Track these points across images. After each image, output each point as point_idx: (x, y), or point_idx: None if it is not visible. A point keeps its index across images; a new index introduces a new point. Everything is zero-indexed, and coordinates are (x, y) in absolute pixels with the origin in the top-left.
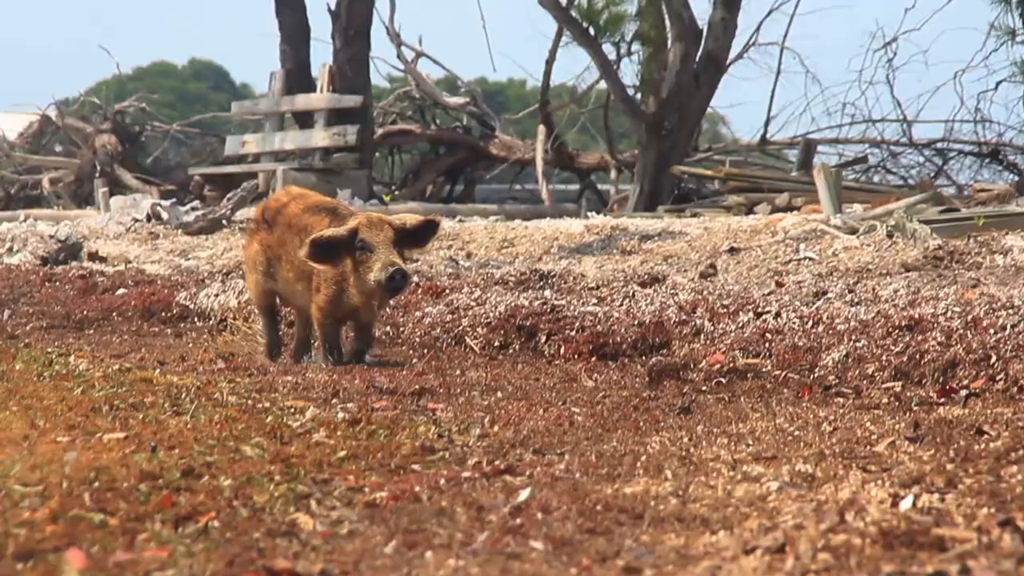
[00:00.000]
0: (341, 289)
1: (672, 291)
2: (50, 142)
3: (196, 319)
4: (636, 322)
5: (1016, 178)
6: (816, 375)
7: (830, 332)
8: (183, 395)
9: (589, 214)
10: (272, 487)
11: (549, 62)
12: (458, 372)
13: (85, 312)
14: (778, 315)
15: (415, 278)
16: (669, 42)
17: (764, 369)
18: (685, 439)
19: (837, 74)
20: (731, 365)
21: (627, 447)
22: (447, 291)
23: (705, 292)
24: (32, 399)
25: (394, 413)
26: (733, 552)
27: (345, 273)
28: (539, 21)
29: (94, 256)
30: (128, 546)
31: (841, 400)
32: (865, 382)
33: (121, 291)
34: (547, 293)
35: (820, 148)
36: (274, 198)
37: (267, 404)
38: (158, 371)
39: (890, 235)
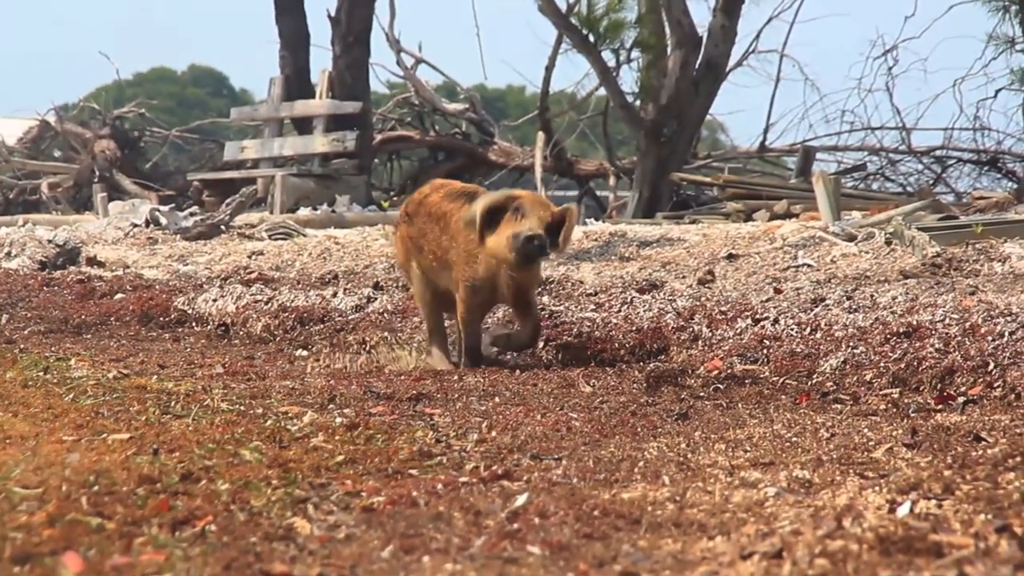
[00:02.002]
0: (477, 269)
1: (670, 297)
2: (49, 147)
3: (194, 324)
4: (634, 328)
5: (1015, 186)
6: (814, 381)
7: (828, 339)
8: (174, 402)
9: (588, 220)
10: (269, 491)
11: (548, 69)
12: (456, 377)
13: (83, 317)
14: (776, 322)
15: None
16: (669, 49)
17: (762, 375)
18: (683, 445)
19: (836, 81)
20: (729, 371)
21: (625, 452)
22: None
23: (703, 298)
24: (20, 405)
25: (392, 418)
26: (730, 557)
27: (480, 249)
28: (539, 28)
29: (92, 261)
30: (125, 550)
31: (839, 406)
32: (863, 389)
33: (119, 296)
34: (545, 299)
35: (819, 155)
36: (418, 192)
37: (261, 410)
38: (154, 378)
39: (888, 242)
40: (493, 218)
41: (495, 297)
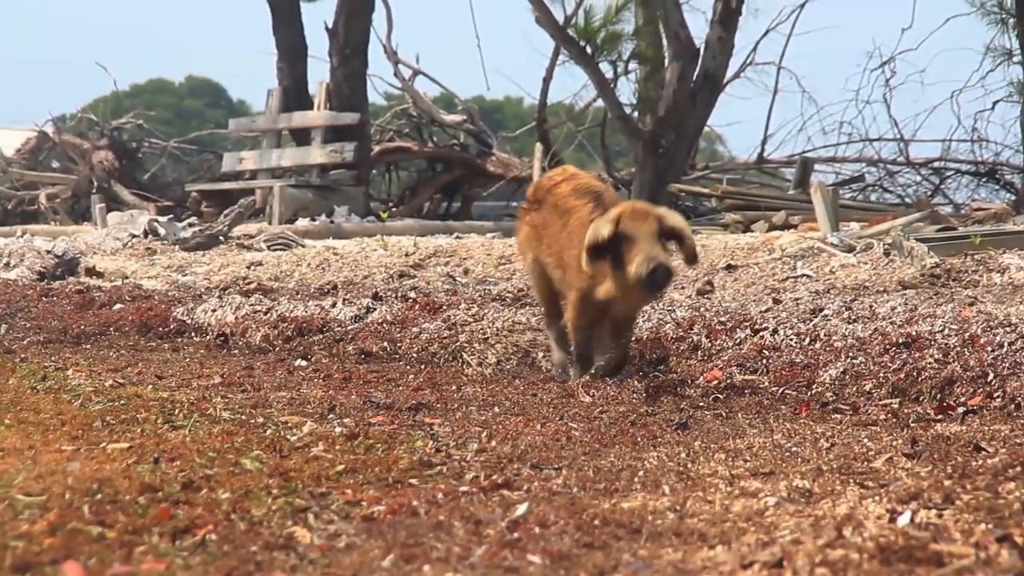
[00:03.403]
0: (593, 285)
1: (669, 308)
2: (47, 158)
3: (193, 334)
4: (634, 338)
5: (1013, 197)
6: (813, 392)
7: (827, 349)
8: (176, 411)
9: None
10: (270, 500)
11: (546, 80)
12: (455, 387)
13: (82, 327)
14: (775, 332)
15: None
16: (666, 61)
17: (761, 385)
18: (683, 454)
19: (834, 93)
20: (729, 381)
21: (625, 462)
22: (444, 307)
23: (702, 309)
24: (29, 412)
25: (392, 428)
26: (731, 567)
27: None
28: (536, 40)
29: (91, 271)
30: (126, 559)
31: (838, 416)
32: (862, 399)
33: (118, 306)
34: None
35: (817, 167)
36: (548, 177)
37: (261, 419)
38: (149, 387)
39: (887, 253)
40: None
41: (606, 312)
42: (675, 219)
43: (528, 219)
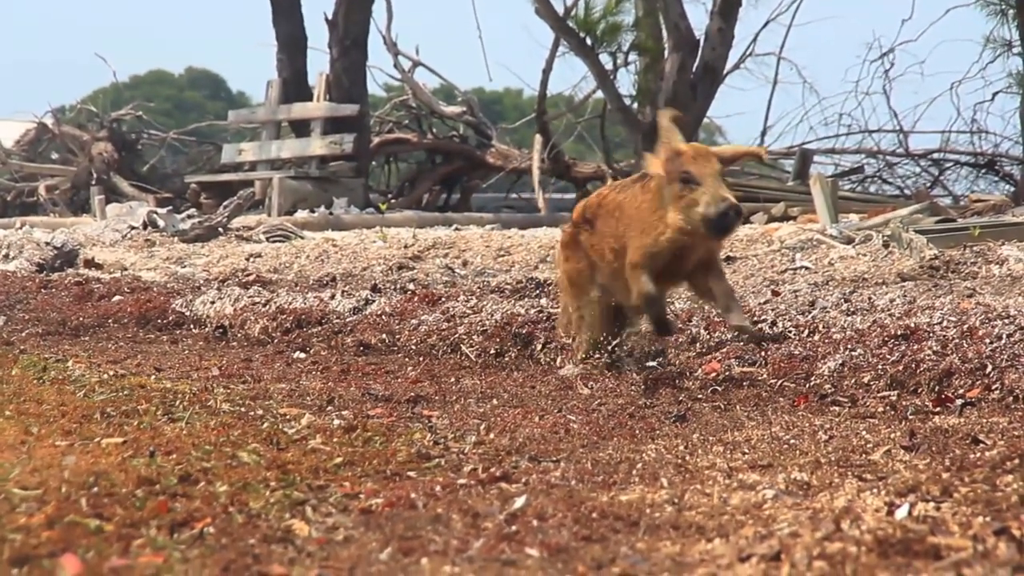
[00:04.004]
0: (654, 235)
1: (667, 299)
2: (46, 150)
3: (192, 326)
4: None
5: (1012, 188)
6: (812, 384)
7: (826, 341)
8: (178, 401)
9: None
10: (268, 493)
11: (546, 72)
12: (454, 380)
13: (81, 319)
14: (774, 324)
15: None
16: (666, 52)
17: (760, 378)
18: (681, 447)
19: (834, 85)
20: (727, 373)
21: (623, 455)
22: (443, 299)
23: (700, 301)
24: (32, 403)
25: (390, 420)
26: (729, 560)
27: (657, 215)
28: (536, 31)
29: (90, 263)
30: (123, 552)
31: (837, 409)
32: (861, 391)
33: (117, 298)
34: (543, 301)
35: (816, 158)
36: (593, 196)
37: (260, 411)
38: (152, 377)
39: (886, 245)
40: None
41: (678, 267)
42: (732, 150)
43: (582, 239)
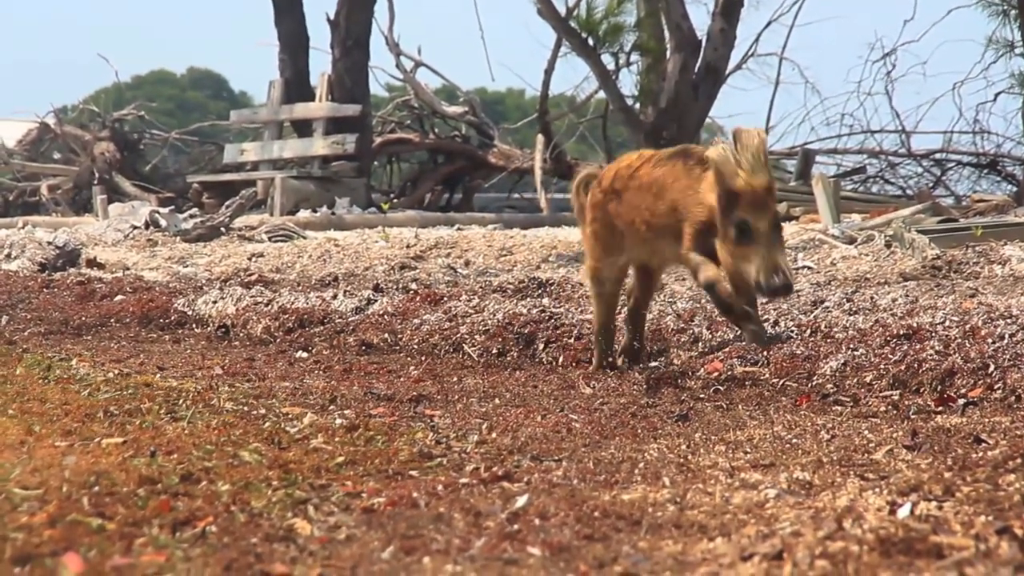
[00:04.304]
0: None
1: (670, 299)
2: (49, 149)
3: (194, 326)
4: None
5: (1014, 189)
6: (814, 383)
7: (828, 341)
8: (181, 400)
9: None
10: (270, 492)
11: (548, 72)
12: (456, 379)
13: (83, 318)
14: (776, 324)
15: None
16: (668, 52)
17: (762, 377)
18: (683, 446)
19: (836, 85)
20: (729, 373)
21: (625, 454)
22: (445, 299)
23: (703, 300)
24: (36, 402)
25: (392, 419)
26: (731, 559)
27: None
28: (538, 31)
29: (92, 263)
30: (126, 551)
31: (839, 408)
32: (863, 390)
33: (119, 298)
34: (545, 301)
35: (819, 158)
36: (624, 165)
37: (263, 410)
38: (158, 376)
39: (888, 245)
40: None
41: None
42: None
43: (610, 208)
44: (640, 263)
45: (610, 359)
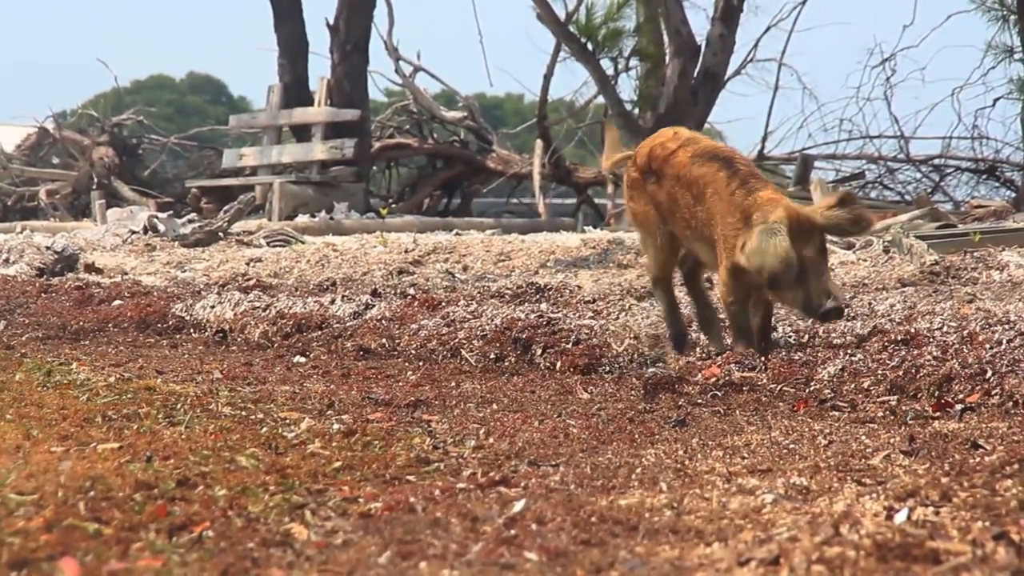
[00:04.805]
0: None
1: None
2: (47, 154)
3: (192, 330)
4: (632, 335)
5: (1013, 194)
6: (812, 388)
7: (826, 346)
8: (179, 405)
9: (586, 228)
10: (267, 497)
11: (547, 77)
12: (453, 384)
13: (81, 323)
14: (774, 329)
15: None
16: (667, 57)
17: (760, 383)
18: (680, 451)
19: (835, 90)
20: (727, 378)
21: (622, 459)
22: (443, 304)
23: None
24: (33, 406)
25: (389, 424)
26: (727, 564)
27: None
28: (537, 36)
29: (90, 268)
30: (122, 555)
31: (836, 413)
32: (861, 396)
33: (117, 302)
34: (543, 306)
35: (817, 163)
36: (659, 144)
37: (261, 415)
38: (159, 379)
39: (887, 250)
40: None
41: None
42: (835, 216)
43: (647, 193)
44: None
45: (681, 331)
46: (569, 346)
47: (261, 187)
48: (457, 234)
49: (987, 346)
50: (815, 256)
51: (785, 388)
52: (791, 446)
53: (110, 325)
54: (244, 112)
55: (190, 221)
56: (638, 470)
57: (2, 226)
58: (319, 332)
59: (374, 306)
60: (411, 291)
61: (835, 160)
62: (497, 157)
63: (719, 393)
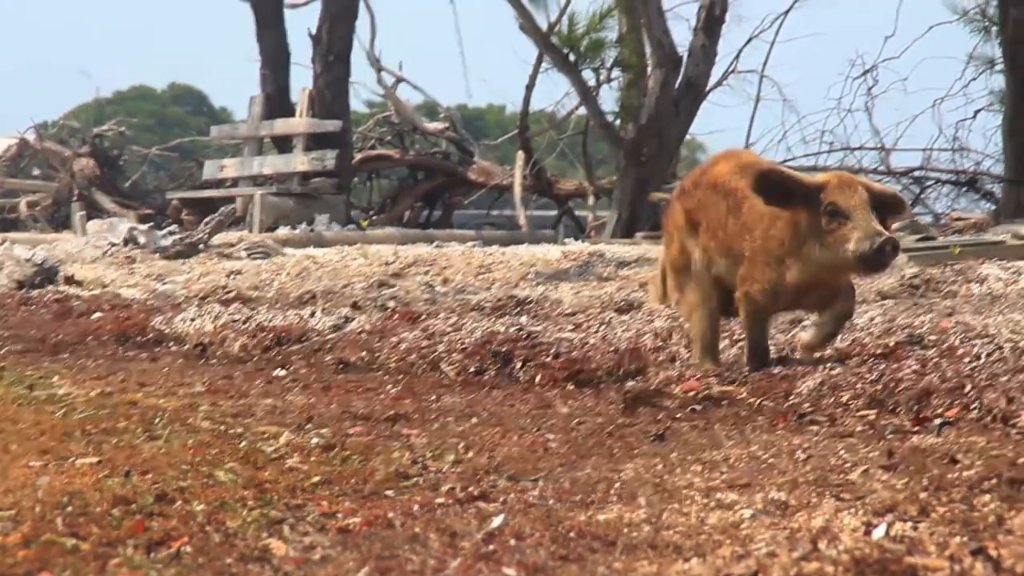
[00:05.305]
0: (782, 270)
1: (648, 318)
2: (28, 165)
3: (172, 343)
4: (612, 348)
5: (993, 207)
6: (791, 403)
7: (805, 360)
8: (157, 419)
9: (566, 240)
10: (245, 512)
11: (529, 88)
12: (433, 398)
13: (60, 336)
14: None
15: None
16: (649, 69)
17: (739, 397)
18: (659, 466)
19: (816, 102)
20: (706, 392)
21: (601, 474)
22: (423, 317)
23: (681, 319)
24: (9, 422)
25: (368, 439)
26: None
27: (792, 249)
28: (519, 47)
29: (70, 280)
30: (100, 571)
31: (815, 428)
32: (839, 410)
33: (97, 315)
34: (523, 319)
35: None
36: (708, 162)
37: (240, 429)
38: (140, 393)
39: None
40: (789, 203)
41: (799, 302)
42: (880, 186)
43: (679, 207)
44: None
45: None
46: (549, 359)
47: (242, 199)
48: (438, 246)
49: (966, 360)
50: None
51: (764, 402)
52: (770, 461)
53: (90, 338)
54: (226, 123)
55: (171, 233)
56: (617, 485)
57: None
58: (299, 345)
59: (354, 319)
60: (391, 304)
61: (817, 172)
62: (478, 169)
63: (698, 407)
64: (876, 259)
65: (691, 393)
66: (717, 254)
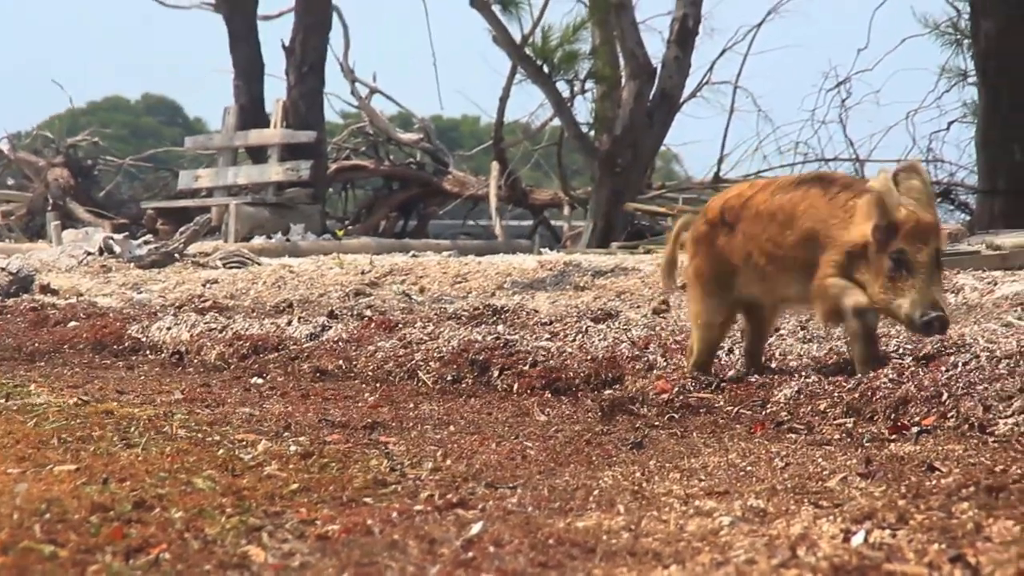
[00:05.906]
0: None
1: (625, 327)
2: (2, 176)
3: (148, 352)
4: (589, 357)
5: (968, 217)
6: (768, 411)
7: (783, 368)
8: (134, 427)
9: (542, 250)
10: (224, 519)
11: (503, 99)
12: (411, 406)
13: (36, 345)
14: (731, 351)
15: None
16: (623, 80)
17: (716, 404)
18: (637, 473)
19: (790, 113)
20: (683, 400)
21: (579, 481)
22: (400, 325)
23: (658, 328)
24: None
25: (346, 446)
26: None
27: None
28: (493, 58)
29: (46, 289)
30: None
31: (793, 436)
32: (817, 418)
33: (72, 324)
34: (500, 328)
35: None
36: (734, 195)
37: (218, 437)
38: (118, 402)
39: None
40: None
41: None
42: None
43: (714, 248)
44: (753, 302)
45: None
46: (526, 368)
47: (217, 208)
48: (414, 256)
49: (943, 369)
50: None
51: (742, 410)
52: (748, 468)
53: (66, 347)
54: (200, 133)
55: (146, 242)
56: (595, 492)
57: None
58: (276, 354)
59: (331, 328)
60: (368, 313)
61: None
62: (453, 179)
63: (676, 415)
64: (923, 328)
65: (663, 394)
66: (776, 274)
